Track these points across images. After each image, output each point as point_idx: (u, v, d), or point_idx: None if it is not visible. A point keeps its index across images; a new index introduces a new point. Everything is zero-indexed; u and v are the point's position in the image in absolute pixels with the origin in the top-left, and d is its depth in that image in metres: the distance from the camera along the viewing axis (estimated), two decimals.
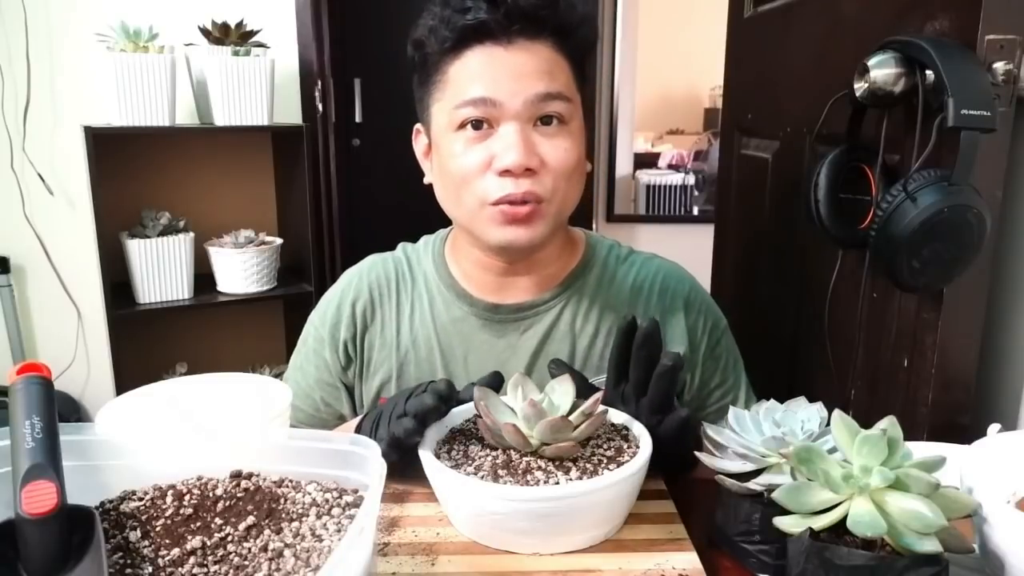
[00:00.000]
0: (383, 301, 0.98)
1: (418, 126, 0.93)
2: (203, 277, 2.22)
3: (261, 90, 2.11)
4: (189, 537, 0.57)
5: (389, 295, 0.98)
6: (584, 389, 0.78)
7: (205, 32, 2.07)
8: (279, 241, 2.32)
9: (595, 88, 3.01)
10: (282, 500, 0.61)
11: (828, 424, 0.61)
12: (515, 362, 0.94)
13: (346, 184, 2.57)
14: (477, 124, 0.82)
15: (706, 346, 0.96)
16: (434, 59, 0.84)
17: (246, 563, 0.54)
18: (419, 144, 0.94)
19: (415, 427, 0.68)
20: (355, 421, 0.84)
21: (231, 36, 2.07)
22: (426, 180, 0.93)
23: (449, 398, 0.71)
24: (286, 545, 0.56)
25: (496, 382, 0.75)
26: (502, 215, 0.83)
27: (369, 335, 0.98)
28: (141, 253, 2.08)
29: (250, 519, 0.58)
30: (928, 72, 0.77)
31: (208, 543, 0.56)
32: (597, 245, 1.00)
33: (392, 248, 1.04)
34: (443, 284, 0.97)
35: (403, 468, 0.71)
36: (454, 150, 0.84)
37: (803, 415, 0.68)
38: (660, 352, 0.72)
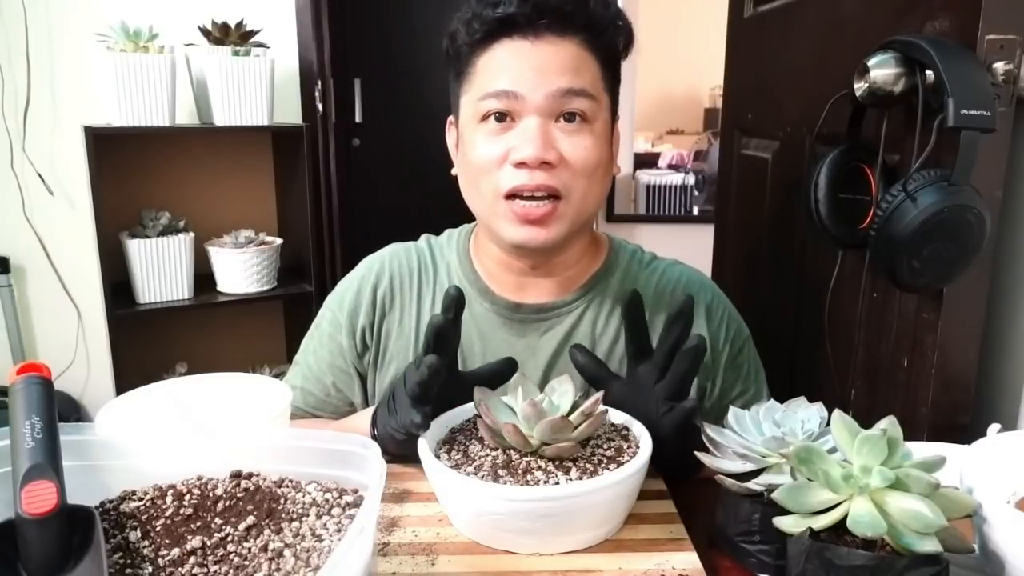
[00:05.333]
0: (403, 289, 0.97)
1: (451, 118, 0.93)
2: (203, 277, 2.22)
3: (261, 90, 2.11)
4: (189, 537, 0.57)
5: (410, 284, 0.97)
6: (604, 375, 0.79)
7: (205, 32, 2.07)
8: (279, 241, 2.32)
9: None
10: (282, 500, 0.61)
11: (828, 424, 0.61)
12: (534, 363, 0.93)
13: (346, 184, 2.57)
14: (500, 117, 0.82)
15: (728, 354, 0.95)
16: (464, 51, 0.85)
17: (246, 563, 0.54)
18: (451, 136, 0.93)
19: (422, 420, 0.69)
20: (370, 411, 0.83)
21: (231, 36, 2.07)
22: (453, 171, 0.92)
23: (456, 307, 0.73)
24: (286, 545, 0.56)
25: (508, 367, 0.77)
26: (515, 214, 0.83)
27: (387, 323, 0.97)
28: (141, 253, 2.08)
29: (250, 519, 0.58)
30: (928, 72, 0.77)
31: (208, 543, 0.56)
32: (620, 249, 0.99)
33: None
34: (465, 278, 0.96)
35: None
36: (476, 140, 0.84)
37: (803, 415, 0.68)
38: (689, 333, 0.72)
